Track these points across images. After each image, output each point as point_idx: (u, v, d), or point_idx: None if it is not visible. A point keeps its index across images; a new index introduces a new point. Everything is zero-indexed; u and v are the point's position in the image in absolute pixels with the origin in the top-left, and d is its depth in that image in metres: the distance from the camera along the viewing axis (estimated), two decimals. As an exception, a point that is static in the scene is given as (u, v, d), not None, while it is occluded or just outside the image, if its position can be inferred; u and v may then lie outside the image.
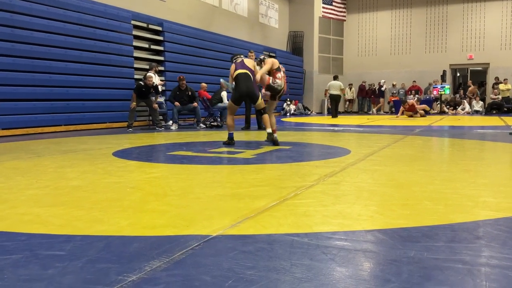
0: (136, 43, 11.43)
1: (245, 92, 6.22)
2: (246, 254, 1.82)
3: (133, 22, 11.29)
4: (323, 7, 21.66)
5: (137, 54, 11.46)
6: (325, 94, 18.06)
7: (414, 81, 20.97)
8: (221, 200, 2.85)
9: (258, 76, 6.37)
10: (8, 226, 2.29)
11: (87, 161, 4.72)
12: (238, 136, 8.06)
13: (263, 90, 7.09)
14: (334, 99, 15.82)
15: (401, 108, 16.55)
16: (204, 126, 10.92)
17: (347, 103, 22.57)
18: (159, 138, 8.01)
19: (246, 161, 4.68)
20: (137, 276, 1.60)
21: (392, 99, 20.52)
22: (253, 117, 10.66)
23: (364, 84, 21.80)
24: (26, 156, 5.22)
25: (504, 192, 3.11)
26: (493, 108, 18.90)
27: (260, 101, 6.40)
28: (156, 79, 10.69)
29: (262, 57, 7.28)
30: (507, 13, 19.92)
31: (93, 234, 2.12)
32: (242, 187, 3.25)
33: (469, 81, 21.25)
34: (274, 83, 6.50)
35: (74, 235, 2.12)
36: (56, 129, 9.27)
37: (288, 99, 19.32)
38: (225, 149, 5.91)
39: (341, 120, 14.51)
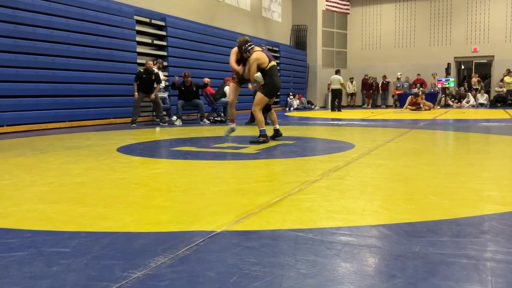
0: (139, 38, 11.42)
1: (279, 86, 6.07)
2: (250, 250, 1.82)
3: (136, 17, 11.28)
4: (327, 0, 21.55)
5: (140, 49, 11.45)
6: (328, 88, 18.05)
7: (419, 74, 20.87)
8: (225, 196, 2.85)
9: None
10: (13, 223, 2.29)
11: (91, 157, 4.73)
12: (242, 131, 8.05)
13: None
14: (335, 94, 15.94)
15: (409, 99, 16.49)
16: (208, 121, 10.92)
17: (350, 97, 22.52)
18: (163, 133, 8.02)
19: (250, 156, 4.68)
20: (142, 272, 1.60)
21: (397, 93, 20.45)
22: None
23: (366, 77, 21.73)
24: (30, 152, 5.24)
25: (509, 186, 3.09)
26: (498, 101, 18.80)
27: None
28: (160, 75, 10.68)
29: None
30: (512, 5, 19.77)
31: (97, 231, 2.13)
32: (246, 183, 3.25)
33: (473, 74, 21.14)
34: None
35: (79, 231, 2.12)
36: (60, 125, 9.29)
37: (291, 93, 19.28)
38: (229, 144, 5.90)
39: (345, 114, 14.47)
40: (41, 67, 8.90)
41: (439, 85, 19.80)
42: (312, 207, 2.50)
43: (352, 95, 22.43)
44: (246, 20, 17.42)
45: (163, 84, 11.24)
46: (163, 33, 12.26)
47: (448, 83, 19.61)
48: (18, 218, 2.38)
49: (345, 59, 22.94)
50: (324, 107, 20.97)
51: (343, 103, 21.55)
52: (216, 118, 11.02)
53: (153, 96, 10.15)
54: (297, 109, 18.87)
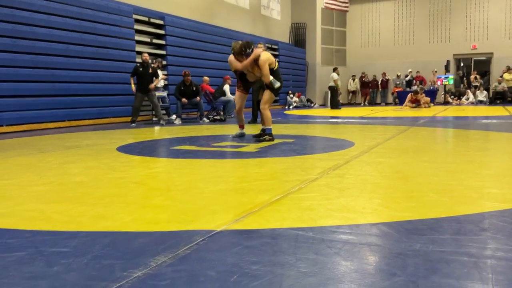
0: (137, 37, 11.40)
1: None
2: (250, 249, 1.81)
3: (134, 16, 11.26)
4: (326, -2, 21.53)
5: (139, 48, 11.43)
6: None
7: (418, 72, 20.86)
8: (224, 195, 2.85)
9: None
10: (12, 223, 2.29)
11: (90, 157, 4.72)
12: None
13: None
14: (330, 91, 16.22)
15: (408, 97, 16.52)
16: (207, 120, 10.91)
17: (350, 94, 22.52)
18: (162, 132, 8.01)
19: (250, 155, 4.68)
20: (142, 272, 1.60)
21: (396, 90, 20.44)
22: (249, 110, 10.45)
23: (363, 75, 21.74)
24: (30, 152, 5.23)
25: (509, 183, 3.09)
26: (497, 98, 18.80)
27: None
28: (159, 74, 10.64)
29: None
30: (511, 2, 19.74)
31: (97, 230, 2.12)
32: (245, 181, 3.25)
33: (473, 71, 21.14)
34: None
35: (79, 231, 2.12)
36: (59, 125, 9.28)
37: (290, 92, 19.28)
38: (229, 143, 5.90)
39: (345, 112, 14.47)
40: (40, 67, 8.89)
41: (439, 82, 19.80)
42: (312, 206, 2.49)
43: (353, 92, 22.44)
44: (245, 18, 17.40)
45: (162, 83, 11.22)
46: (162, 32, 12.24)
47: (448, 81, 19.62)
48: (18, 218, 2.38)
49: (344, 56, 22.93)
50: (323, 105, 20.96)
51: (344, 100, 21.58)
52: (215, 117, 11.01)
53: (152, 86, 9.83)
54: (296, 107, 18.86)
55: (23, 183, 3.33)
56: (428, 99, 16.68)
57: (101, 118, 10.31)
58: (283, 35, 20.72)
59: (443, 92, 20.06)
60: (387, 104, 21.10)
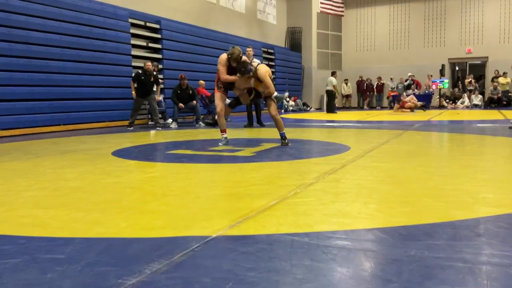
0: (134, 41, 11.40)
1: None
2: (246, 255, 1.81)
3: (130, 20, 11.26)
4: (321, 3, 21.60)
5: (135, 52, 11.43)
6: None
7: (413, 76, 20.94)
8: (220, 200, 2.84)
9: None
10: (7, 229, 2.28)
11: (86, 161, 4.71)
12: (239, 134, 8.06)
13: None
14: (327, 95, 16.28)
15: (397, 105, 16.73)
16: (203, 124, 10.90)
17: (344, 98, 22.58)
18: (158, 136, 8.00)
19: (246, 159, 4.67)
20: (136, 279, 1.59)
21: (391, 94, 20.51)
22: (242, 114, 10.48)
23: (360, 79, 21.81)
24: (25, 157, 5.21)
25: (504, 188, 3.10)
26: (492, 102, 18.89)
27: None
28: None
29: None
30: (506, 6, 19.88)
31: (92, 237, 2.11)
32: (241, 186, 3.24)
33: (468, 75, 21.25)
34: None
35: (73, 237, 2.11)
36: (55, 129, 9.25)
37: (286, 95, 19.31)
38: (225, 147, 5.90)
39: (340, 116, 14.49)
40: (35, 71, 8.87)
41: (434, 87, 19.88)
42: (308, 211, 2.49)
43: (348, 96, 22.50)
44: (241, 22, 17.44)
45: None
46: (158, 35, 12.24)
47: (443, 85, 19.70)
48: (12, 224, 2.37)
49: (340, 61, 23.00)
50: (319, 109, 21.01)
51: (338, 104, 21.63)
52: (211, 121, 10.99)
53: (158, 98, 10.11)
54: (292, 111, 18.88)
55: (17, 188, 3.31)
56: (415, 100, 16.82)
57: (97, 122, 10.29)
58: (279, 39, 20.77)
59: (438, 96, 20.13)
60: (382, 108, 21.17)
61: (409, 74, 20.73)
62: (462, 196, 2.81)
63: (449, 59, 21.15)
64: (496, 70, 19.38)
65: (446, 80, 19.98)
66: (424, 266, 1.67)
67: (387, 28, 22.17)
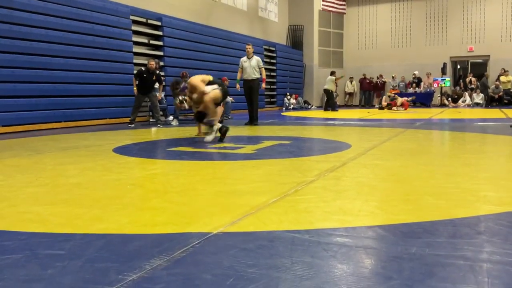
0: (135, 38, 11.39)
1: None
2: (246, 252, 1.81)
3: (132, 17, 11.25)
4: (323, 0, 21.57)
5: (136, 49, 11.42)
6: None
7: (414, 74, 20.92)
8: (221, 197, 2.84)
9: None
10: (7, 225, 2.28)
11: (87, 158, 4.71)
12: (240, 131, 8.06)
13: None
14: (325, 93, 16.50)
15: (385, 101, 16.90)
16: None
17: (347, 96, 22.56)
18: (159, 134, 8.00)
19: (247, 157, 4.67)
20: (137, 275, 1.59)
21: (393, 92, 20.48)
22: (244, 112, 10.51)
23: (364, 77, 21.77)
24: (26, 153, 5.21)
25: (505, 186, 3.09)
26: (494, 100, 18.86)
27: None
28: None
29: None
30: (507, 5, 19.83)
31: (93, 233, 2.11)
32: (242, 183, 3.24)
33: (469, 74, 21.22)
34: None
35: (74, 233, 2.11)
36: (56, 126, 9.26)
37: (288, 93, 19.30)
38: (226, 144, 5.90)
39: (342, 113, 14.49)
40: (37, 67, 8.87)
41: (435, 85, 19.85)
42: (309, 208, 2.49)
43: (351, 94, 22.47)
44: (243, 20, 17.42)
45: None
46: (160, 33, 12.23)
47: (444, 83, 19.67)
48: (13, 220, 2.37)
49: (341, 59, 22.97)
50: (320, 107, 20.97)
51: (340, 102, 21.64)
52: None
53: (159, 96, 10.13)
54: (293, 108, 18.87)
55: (19, 185, 3.32)
56: (404, 99, 16.86)
57: (98, 119, 10.30)
58: (280, 37, 20.75)
59: (439, 95, 20.11)
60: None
61: (415, 72, 20.73)
62: (463, 194, 2.81)
63: (450, 57, 21.11)
64: (502, 68, 19.27)
65: (448, 79, 19.96)
66: (425, 264, 1.67)
67: (388, 26, 22.13)
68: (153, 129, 9.13)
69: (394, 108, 16.35)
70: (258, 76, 9.60)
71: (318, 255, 1.77)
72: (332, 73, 16.38)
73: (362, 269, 1.67)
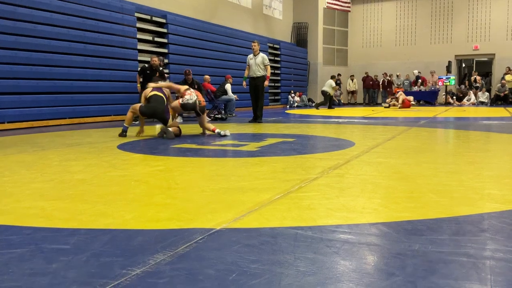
0: (140, 35, 11.41)
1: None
2: (250, 248, 1.82)
3: (136, 14, 11.27)
4: (328, -2, 21.52)
5: (141, 46, 11.44)
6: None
7: (419, 72, 20.85)
8: (225, 193, 2.85)
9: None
10: (13, 220, 2.30)
11: (92, 154, 4.73)
12: (243, 129, 8.07)
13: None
14: (322, 95, 16.75)
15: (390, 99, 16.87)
16: (209, 118, 10.90)
17: (350, 94, 22.52)
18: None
19: (250, 154, 4.68)
20: (141, 269, 1.60)
21: (397, 90, 20.42)
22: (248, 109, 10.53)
23: (367, 75, 21.72)
24: (31, 149, 5.24)
25: (509, 184, 3.09)
26: (499, 99, 18.78)
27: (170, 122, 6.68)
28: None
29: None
30: (514, 3, 19.73)
31: (97, 228, 2.13)
32: (246, 180, 3.25)
33: (474, 72, 21.13)
34: (184, 101, 6.62)
35: (79, 228, 2.12)
36: (61, 122, 9.30)
37: (292, 91, 19.28)
38: (229, 141, 5.91)
39: (346, 111, 14.46)
40: (41, 64, 8.90)
41: (440, 83, 19.78)
42: (312, 205, 2.50)
43: (353, 92, 22.43)
44: (247, 17, 17.41)
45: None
46: (164, 30, 12.25)
47: (449, 81, 19.61)
48: (18, 215, 2.39)
49: (346, 56, 22.92)
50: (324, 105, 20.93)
51: (343, 101, 21.63)
52: (216, 116, 11.01)
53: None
54: (297, 106, 18.85)
55: (24, 180, 3.34)
56: (410, 98, 16.83)
57: (102, 116, 10.32)
58: (285, 35, 20.72)
59: (444, 93, 20.04)
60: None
61: (418, 71, 20.65)
62: (467, 192, 2.81)
63: (455, 56, 21.03)
64: (508, 67, 19.19)
65: (453, 77, 19.88)
66: (428, 261, 1.67)
67: (393, 24, 22.06)
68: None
69: (396, 104, 16.32)
70: (263, 73, 9.60)
71: (321, 251, 1.78)
72: (333, 77, 16.50)
73: (365, 265, 1.67)
